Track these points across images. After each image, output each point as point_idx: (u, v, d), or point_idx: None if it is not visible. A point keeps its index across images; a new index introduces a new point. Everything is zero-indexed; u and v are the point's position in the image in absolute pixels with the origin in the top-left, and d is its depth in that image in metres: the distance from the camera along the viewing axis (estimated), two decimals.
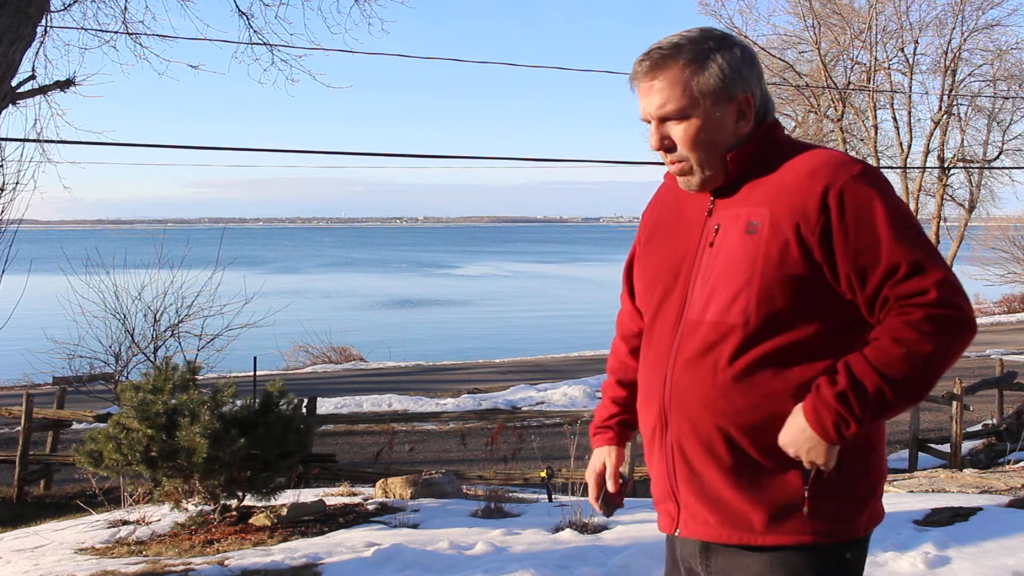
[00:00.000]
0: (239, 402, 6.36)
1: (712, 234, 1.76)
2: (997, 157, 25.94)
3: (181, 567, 5.00)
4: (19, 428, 10.25)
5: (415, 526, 5.87)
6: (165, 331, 14.59)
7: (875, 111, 24.97)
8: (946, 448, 10.72)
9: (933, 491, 7.46)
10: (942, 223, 25.62)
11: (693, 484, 1.75)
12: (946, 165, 25.00)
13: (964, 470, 9.49)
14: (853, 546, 1.72)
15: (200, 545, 5.72)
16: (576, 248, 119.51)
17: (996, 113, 25.44)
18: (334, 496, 7.10)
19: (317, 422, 9.79)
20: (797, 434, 1.63)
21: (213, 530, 6.01)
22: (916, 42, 24.69)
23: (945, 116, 24.77)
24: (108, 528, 6.38)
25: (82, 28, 8.57)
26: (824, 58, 24.56)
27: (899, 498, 6.31)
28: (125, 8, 8.62)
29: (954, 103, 24.92)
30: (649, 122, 1.78)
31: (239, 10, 8.42)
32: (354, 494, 7.25)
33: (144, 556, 5.52)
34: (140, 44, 8.71)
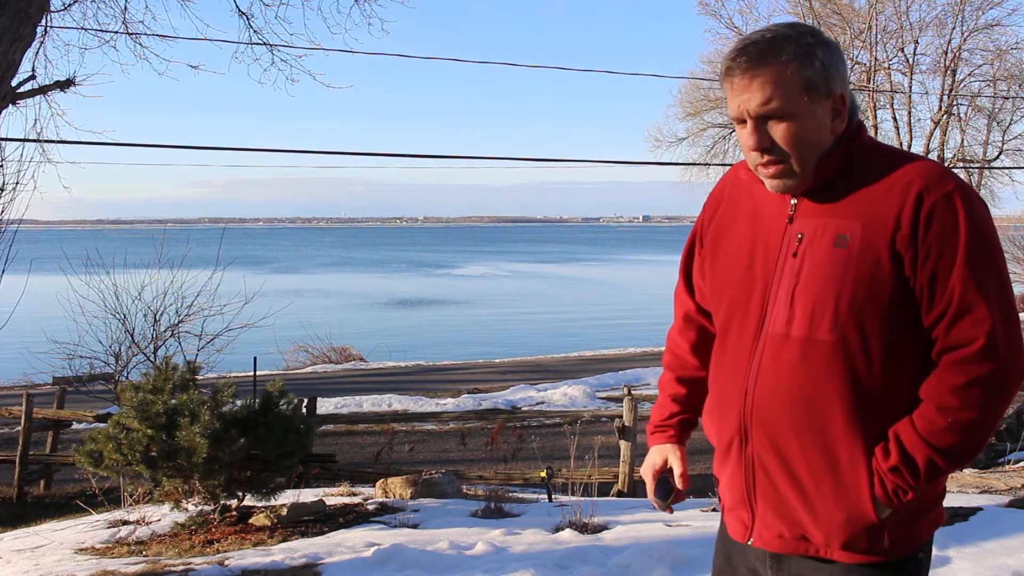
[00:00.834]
0: (239, 402, 6.36)
1: (795, 243, 1.70)
2: (997, 157, 25.94)
3: (181, 567, 5.00)
4: (19, 428, 10.25)
5: (415, 526, 5.87)
6: (165, 331, 14.59)
7: (875, 111, 24.96)
8: None
9: None
10: None
11: (771, 497, 1.74)
12: (946, 165, 24.99)
13: (964, 470, 9.49)
14: (924, 547, 1.75)
15: (200, 545, 5.71)
16: (576, 248, 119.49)
17: (996, 113, 25.44)
18: (334, 496, 7.10)
19: (317, 422, 9.79)
20: (858, 512, 1.68)
21: (213, 530, 6.01)
22: (916, 42, 24.70)
23: (945, 116, 24.77)
24: (108, 528, 6.38)
25: (82, 28, 8.59)
26: None
27: None
28: (125, 8, 8.63)
29: (954, 103, 24.93)
30: (744, 121, 1.69)
31: (239, 10, 8.43)
32: (354, 494, 7.25)
33: (144, 556, 5.52)
34: (140, 44, 8.72)
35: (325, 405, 13.57)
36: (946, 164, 24.82)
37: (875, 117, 24.93)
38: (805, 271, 1.67)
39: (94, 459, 5.99)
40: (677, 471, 1.96)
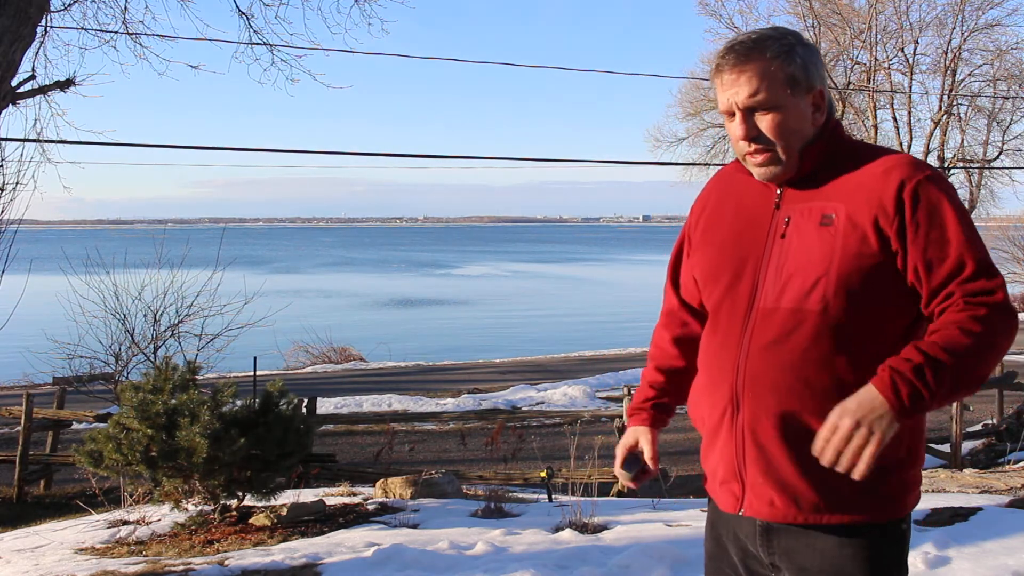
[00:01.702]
0: (239, 402, 6.36)
1: (783, 226, 1.83)
2: (997, 157, 25.96)
3: (181, 567, 5.00)
4: (19, 428, 10.25)
5: (415, 526, 5.87)
6: (165, 331, 14.59)
7: (875, 111, 24.98)
8: (946, 448, 10.71)
9: (933, 491, 7.46)
10: None
11: (761, 464, 1.80)
12: (946, 165, 25.00)
13: (964, 470, 9.49)
14: (906, 519, 1.84)
15: (200, 545, 5.72)
16: (576, 248, 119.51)
17: (996, 113, 25.47)
18: (334, 496, 7.10)
19: (317, 422, 9.79)
20: (867, 402, 1.64)
21: (213, 530, 6.01)
22: (916, 42, 24.73)
23: (945, 116, 24.79)
24: (108, 528, 6.38)
25: (82, 28, 8.58)
26: (824, 58, 24.54)
27: None
28: (125, 8, 8.63)
29: (954, 103, 24.94)
30: (732, 114, 1.83)
31: (239, 10, 8.43)
32: (354, 494, 7.25)
33: (144, 556, 5.52)
34: (140, 44, 8.72)
35: (325, 405, 13.57)
36: (946, 164, 24.84)
37: (875, 117, 24.94)
38: (793, 249, 1.80)
39: (94, 459, 5.99)
40: (647, 453, 2.03)
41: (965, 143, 25.83)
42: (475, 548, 5.03)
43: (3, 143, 8.90)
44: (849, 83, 24.80)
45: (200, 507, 6.19)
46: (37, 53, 8.09)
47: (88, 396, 13.09)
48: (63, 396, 11.34)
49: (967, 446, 11.54)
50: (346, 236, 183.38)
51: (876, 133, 24.90)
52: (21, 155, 11.91)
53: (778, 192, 1.87)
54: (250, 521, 6.19)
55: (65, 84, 7.18)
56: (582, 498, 5.82)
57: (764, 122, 1.81)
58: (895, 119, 25.17)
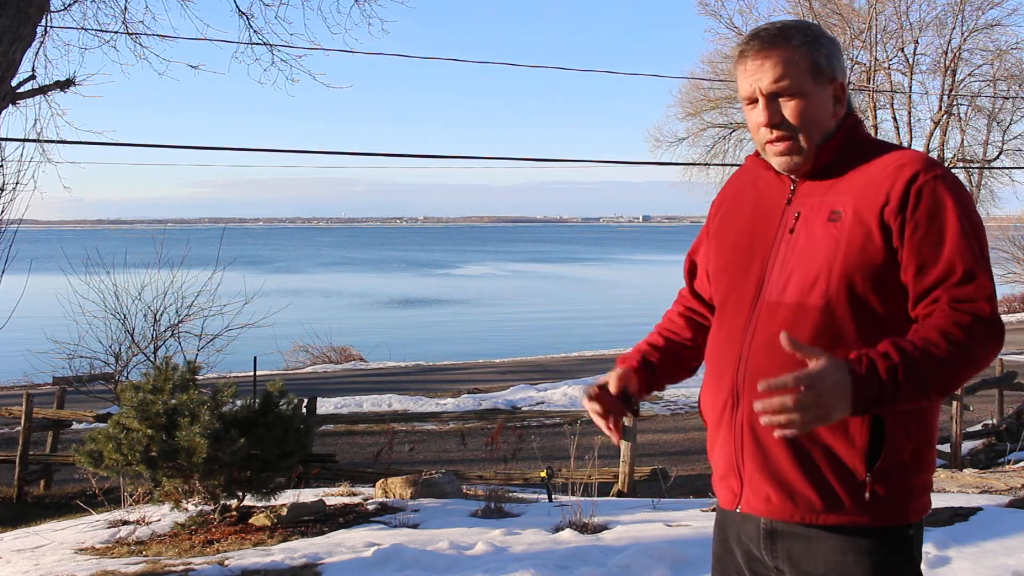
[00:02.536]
0: (239, 402, 6.36)
1: (792, 221, 1.83)
2: (997, 157, 25.94)
3: (181, 567, 5.00)
4: (19, 428, 10.24)
5: (415, 526, 5.87)
6: (165, 331, 14.58)
7: (875, 111, 24.96)
8: (946, 448, 10.71)
9: (933, 491, 7.46)
10: None
11: (759, 460, 1.79)
12: (946, 165, 24.96)
13: (964, 470, 9.49)
14: (914, 525, 1.78)
15: (200, 545, 5.71)
16: (576, 248, 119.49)
17: (996, 113, 25.44)
18: (334, 496, 7.10)
19: (317, 422, 9.79)
20: (829, 376, 1.55)
21: (213, 530, 6.01)
22: (916, 42, 24.70)
23: (945, 116, 24.77)
24: (108, 528, 6.38)
25: (82, 28, 8.58)
26: None
27: None
28: (125, 8, 8.62)
29: (954, 103, 24.93)
30: (754, 100, 1.83)
31: (239, 10, 8.43)
32: (354, 494, 7.25)
33: (144, 556, 5.52)
34: (140, 44, 8.72)
35: (325, 405, 13.57)
36: (946, 164, 24.84)
37: (875, 117, 24.92)
38: (800, 244, 1.80)
39: (94, 459, 5.99)
40: (612, 385, 1.95)
41: (965, 143, 25.82)
42: (475, 548, 5.03)
43: (3, 143, 8.91)
44: (849, 83, 24.71)
45: (200, 507, 6.19)
46: (37, 53, 8.09)
47: (88, 396, 13.09)
48: (63, 396, 11.33)
49: (967, 446, 11.54)
50: (346, 236, 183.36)
51: (876, 133, 24.86)
52: (21, 155, 11.88)
53: (791, 187, 1.87)
54: (250, 521, 6.19)
55: (65, 84, 7.18)
56: (582, 498, 5.82)
57: (787, 109, 1.80)
58: (895, 119, 25.16)
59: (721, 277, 1.93)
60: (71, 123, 15.19)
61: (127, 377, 13.51)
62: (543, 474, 7.61)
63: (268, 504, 6.36)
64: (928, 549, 4.37)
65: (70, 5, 8.39)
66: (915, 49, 24.76)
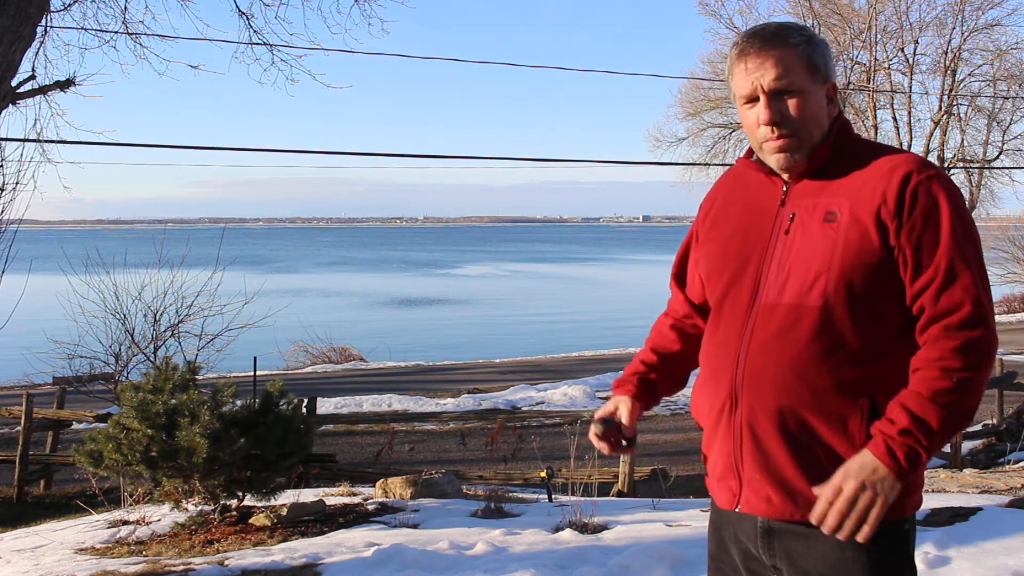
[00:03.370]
0: (239, 402, 6.36)
1: (787, 222, 1.84)
2: (997, 157, 25.93)
3: (181, 567, 5.00)
4: (19, 428, 10.24)
5: (415, 526, 5.87)
6: (165, 331, 14.58)
7: (875, 111, 24.95)
8: (946, 448, 10.71)
9: (933, 491, 7.46)
10: None
11: (758, 460, 1.79)
12: (946, 165, 24.98)
13: (964, 470, 9.49)
14: (908, 519, 1.82)
15: (200, 545, 5.71)
16: (576, 248, 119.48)
17: (996, 113, 25.43)
18: (334, 496, 7.10)
19: (317, 422, 9.79)
20: (869, 465, 1.67)
21: (213, 530, 6.01)
22: (916, 42, 24.70)
23: (945, 116, 24.76)
24: (108, 528, 6.38)
25: (82, 28, 8.58)
26: None
27: None
28: (125, 8, 8.62)
29: (954, 103, 24.92)
30: (754, 99, 1.83)
31: (239, 10, 8.43)
32: (354, 494, 7.25)
33: (144, 556, 5.52)
34: (140, 44, 8.72)
35: (325, 405, 13.57)
36: (946, 164, 24.84)
37: (875, 117, 24.92)
38: (797, 245, 1.80)
39: (94, 459, 5.98)
40: (624, 420, 2.00)
41: (965, 143, 25.81)
42: (475, 548, 5.03)
43: (3, 143, 8.91)
44: (849, 83, 24.78)
45: (200, 507, 6.19)
46: (37, 53, 8.09)
47: (88, 396, 13.09)
48: (63, 396, 11.33)
49: (967, 446, 11.54)
50: (346, 236, 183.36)
51: (876, 133, 24.87)
52: (21, 155, 11.89)
53: (784, 188, 1.87)
54: (250, 521, 6.19)
55: (65, 84, 7.18)
56: (582, 498, 5.82)
57: (788, 105, 1.81)
58: (895, 119, 25.15)
59: (715, 280, 1.92)
60: (71, 123, 15.19)
61: (127, 377, 13.51)
62: (543, 474, 7.61)
63: (268, 504, 6.36)
64: (928, 549, 4.37)
65: (70, 5, 8.39)
66: (915, 49, 24.78)
